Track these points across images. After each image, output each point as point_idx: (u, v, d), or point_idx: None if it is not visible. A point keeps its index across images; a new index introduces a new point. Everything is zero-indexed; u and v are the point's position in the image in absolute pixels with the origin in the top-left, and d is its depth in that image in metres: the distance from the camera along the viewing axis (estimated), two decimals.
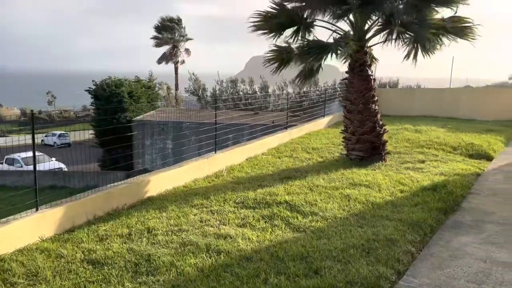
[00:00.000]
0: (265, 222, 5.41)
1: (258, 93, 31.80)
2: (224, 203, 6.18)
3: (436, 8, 8.56)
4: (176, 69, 43.39)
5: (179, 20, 42.60)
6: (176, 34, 42.92)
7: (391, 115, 17.83)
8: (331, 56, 8.66)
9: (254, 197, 6.37)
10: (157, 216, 5.68)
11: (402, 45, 8.83)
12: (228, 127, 13.34)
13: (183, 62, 43.81)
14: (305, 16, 8.82)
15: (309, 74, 9.87)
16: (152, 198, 6.69)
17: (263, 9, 8.89)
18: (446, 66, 18.36)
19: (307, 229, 5.14)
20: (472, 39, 8.42)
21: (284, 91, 29.32)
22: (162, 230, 5.15)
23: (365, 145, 9.09)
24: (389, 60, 9.86)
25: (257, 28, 8.97)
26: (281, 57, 9.32)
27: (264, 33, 8.97)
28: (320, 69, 9.91)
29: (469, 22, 8.46)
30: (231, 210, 5.85)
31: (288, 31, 9.09)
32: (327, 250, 4.49)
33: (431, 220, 5.39)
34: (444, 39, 8.73)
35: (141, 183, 6.77)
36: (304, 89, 24.52)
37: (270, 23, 8.87)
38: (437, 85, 18.73)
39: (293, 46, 9.17)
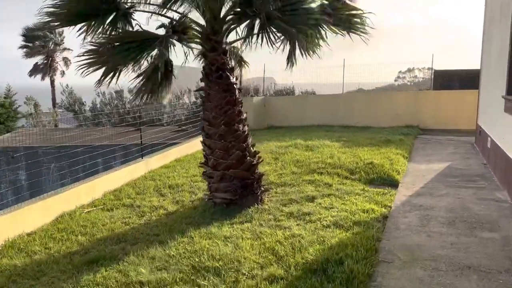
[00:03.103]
0: None
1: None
2: None
3: None
4: (52, 82, 37.36)
5: None
6: (50, 43, 37.01)
7: (284, 126, 15.67)
8: (166, 52, 5.76)
9: None
10: None
11: (276, 40, 6.27)
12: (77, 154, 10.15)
13: (62, 73, 37.92)
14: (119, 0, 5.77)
15: (158, 82, 6.78)
16: None
17: None
18: (339, 70, 16.83)
19: None
20: (363, 32, 6.09)
21: (181, 101, 26.04)
22: None
23: (232, 183, 6.29)
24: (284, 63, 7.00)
25: (53, 18, 5.68)
26: (105, 60, 6.15)
27: (59, 25, 5.70)
28: (173, 77, 6.89)
29: (357, 9, 6.13)
30: None
31: (104, 22, 5.95)
32: None
33: None
34: (328, 33, 6.32)
35: None
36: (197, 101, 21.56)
37: (68, 11, 5.63)
38: (333, 90, 17.02)
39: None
